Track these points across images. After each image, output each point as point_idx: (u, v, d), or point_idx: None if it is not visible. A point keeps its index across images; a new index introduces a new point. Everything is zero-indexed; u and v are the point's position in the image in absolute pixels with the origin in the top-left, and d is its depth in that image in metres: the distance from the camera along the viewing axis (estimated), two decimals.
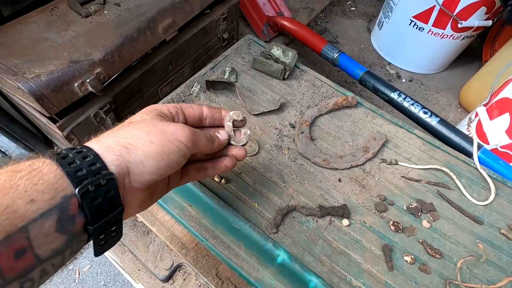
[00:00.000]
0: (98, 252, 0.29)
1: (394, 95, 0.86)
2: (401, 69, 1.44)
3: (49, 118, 0.62)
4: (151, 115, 0.34)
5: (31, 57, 0.59)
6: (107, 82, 0.64)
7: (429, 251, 0.52)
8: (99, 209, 0.26)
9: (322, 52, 1.06)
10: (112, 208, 0.28)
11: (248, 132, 0.44)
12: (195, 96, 0.68)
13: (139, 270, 1.03)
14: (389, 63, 1.46)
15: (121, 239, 1.18)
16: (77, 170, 0.26)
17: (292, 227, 0.53)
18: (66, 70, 0.57)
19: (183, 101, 0.67)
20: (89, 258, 1.52)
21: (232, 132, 0.43)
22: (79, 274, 1.51)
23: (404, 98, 0.84)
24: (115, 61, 0.64)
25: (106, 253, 1.08)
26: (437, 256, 0.52)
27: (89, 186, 0.25)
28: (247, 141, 0.44)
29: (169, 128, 0.32)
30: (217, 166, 0.42)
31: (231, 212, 0.51)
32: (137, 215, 0.85)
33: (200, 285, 0.96)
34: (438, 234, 0.55)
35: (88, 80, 0.59)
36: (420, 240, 0.54)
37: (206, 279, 0.78)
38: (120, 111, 0.73)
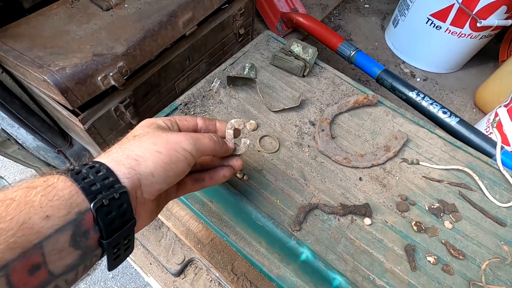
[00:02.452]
0: (112, 266, 0.29)
1: (412, 94, 0.85)
2: (416, 68, 1.42)
3: (70, 111, 0.62)
4: (152, 127, 0.35)
5: (54, 49, 0.59)
6: (128, 76, 0.64)
7: (452, 252, 0.52)
8: (113, 223, 0.27)
9: (339, 50, 1.05)
10: (125, 221, 0.28)
11: (248, 142, 0.45)
12: (215, 92, 0.68)
13: (150, 264, 1.04)
14: (404, 62, 1.44)
15: None
16: (91, 185, 0.26)
17: (314, 225, 0.53)
18: (90, 63, 0.57)
19: (204, 97, 0.67)
20: None
21: (233, 141, 0.44)
22: None
23: (423, 98, 0.83)
24: (137, 55, 0.63)
25: None
26: (460, 257, 0.51)
27: (104, 201, 0.25)
28: (246, 150, 0.45)
29: (173, 138, 0.33)
30: (215, 176, 0.43)
31: (254, 208, 0.51)
32: None
33: (211, 280, 0.97)
34: (461, 235, 0.54)
35: (111, 74, 0.59)
36: (443, 241, 0.53)
37: (221, 274, 0.78)
38: (139, 105, 0.73)
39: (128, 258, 1.11)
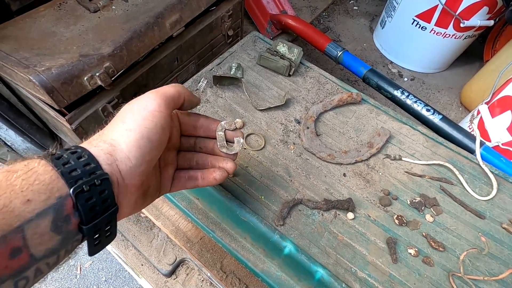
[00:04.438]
0: (92, 252, 0.29)
1: (397, 93, 0.87)
2: (403, 68, 1.45)
3: (57, 111, 0.63)
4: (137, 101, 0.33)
5: (41, 50, 0.60)
6: (115, 76, 0.65)
7: (433, 244, 0.53)
8: (94, 209, 0.26)
9: (326, 50, 1.07)
10: (106, 207, 0.28)
11: (242, 140, 0.44)
12: (202, 91, 0.69)
13: (142, 265, 1.04)
14: (391, 62, 1.47)
15: (124, 234, 1.19)
16: (71, 170, 0.26)
17: (298, 220, 0.54)
18: (76, 63, 0.57)
19: None
20: None
21: (224, 142, 0.43)
22: (80, 270, 1.52)
23: (407, 96, 0.85)
24: (124, 55, 0.64)
25: (109, 248, 1.09)
26: (440, 249, 0.53)
27: (84, 186, 0.25)
28: (240, 149, 0.44)
29: (137, 106, 0.31)
30: (206, 176, 0.42)
31: (238, 205, 0.52)
32: (142, 210, 0.85)
33: (203, 280, 0.97)
34: (441, 228, 0.56)
35: (97, 74, 0.59)
36: (424, 234, 0.55)
37: (210, 273, 0.79)
38: None
39: (119, 260, 1.12)
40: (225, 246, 0.55)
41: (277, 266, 0.53)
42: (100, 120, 0.69)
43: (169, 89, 0.34)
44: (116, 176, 0.29)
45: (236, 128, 0.43)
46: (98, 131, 0.32)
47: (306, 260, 0.48)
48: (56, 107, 0.58)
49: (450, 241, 0.54)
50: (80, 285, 1.50)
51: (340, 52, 1.03)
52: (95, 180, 0.26)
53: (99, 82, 0.60)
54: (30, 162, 0.25)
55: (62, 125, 0.66)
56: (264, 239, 0.51)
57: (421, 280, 0.49)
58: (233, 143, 0.44)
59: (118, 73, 0.66)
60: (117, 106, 0.69)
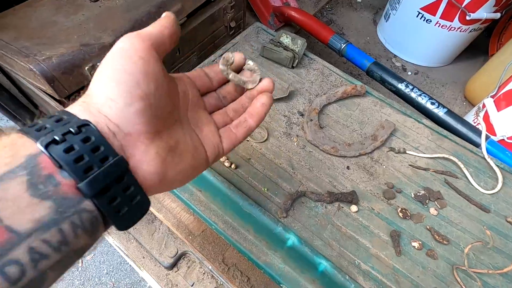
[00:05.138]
0: (119, 224, 0.24)
1: (401, 86, 0.86)
2: (407, 62, 1.43)
3: (58, 101, 0.62)
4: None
5: (41, 40, 0.59)
6: None
7: (437, 237, 0.53)
8: (81, 160, 0.21)
9: (329, 43, 1.06)
10: (103, 159, 0.22)
11: (251, 63, 0.35)
12: None
13: (143, 257, 1.05)
14: (395, 56, 1.45)
15: None
16: (40, 129, 0.21)
17: (301, 212, 0.53)
18: (77, 53, 0.57)
19: None
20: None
21: (241, 78, 0.34)
22: (82, 263, 1.52)
23: (412, 89, 0.84)
24: None
25: (110, 241, 1.09)
26: (445, 242, 0.52)
27: (56, 137, 0.20)
28: (260, 74, 0.35)
29: (117, 56, 0.24)
30: (251, 110, 0.34)
31: (241, 196, 0.52)
32: None
33: (204, 273, 0.98)
34: (445, 221, 0.55)
35: (98, 64, 0.58)
36: (428, 227, 0.54)
37: (212, 265, 0.79)
38: None
39: (121, 252, 1.12)
40: (227, 238, 0.55)
41: (280, 258, 0.53)
42: None
43: (150, 29, 0.27)
44: (105, 122, 0.23)
45: (234, 61, 0.34)
46: None
47: (309, 252, 0.47)
48: (56, 97, 0.57)
49: (455, 234, 0.54)
50: (81, 278, 1.51)
51: (344, 45, 1.01)
52: (70, 128, 0.21)
53: None
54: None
55: None
56: (267, 231, 0.50)
57: (424, 273, 0.49)
58: (249, 71, 0.36)
59: None
60: None
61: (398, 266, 0.49)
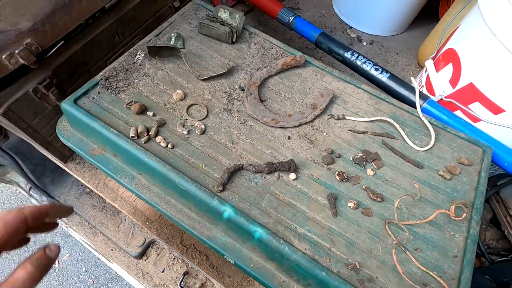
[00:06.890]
0: None
1: (347, 55, 0.87)
2: (362, 32, 1.44)
3: None
4: None
5: None
6: (43, 55, 0.61)
7: (372, 196, 0.55)
8: None
9: (279, 17, 1.04)
10: None
11: None
12: (140, 65, 0.66)
13: (112, 250, 1.04)
14: (350, 27, 1.46)
15: (90, 222, 1.16)
16: None
17: (240, 185, 0.54)
18: None
19: (127, 70, 0.65)
20: (68, 247, 1.50)
21: None
22: (58, 264, 1.50)
23: (357, 57, 0.85)
24: (47, 30, 0.60)
25: (77, 237, 1.08)
26: (379, 200, 0.54)
27: None
28: None
29: None
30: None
31: (177, 174, 0.51)
32: (98, 192, 0.83)
33: (174, 258, 0.98)
34: (381, 180, 0.57)
35: (17, 52, 0.55)
36: (364, 187, 0.56)
37: (171, 247, 0.79)
38: (65, 86, 0.70)
39: (89, 247, 1.10)
40: (170, 217, 0.55)
41: (222, 231, 0.53)
42: (35, 103, 0.65)
43: None
44: None
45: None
46: None
47: (245, 222, 0.48)
48: None
49: (389, 191, 0.56)
50: (60, 278, 1.49)
51: (292, 18, 1.01)
52: None
53: (22, 61, 0.57)
54: None
55: None
56: (205, 205, 0.51)
57: (359, 230, 0.51)
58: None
59: (46, 51, 0.61)
60: (50, 87, 0.65)
61: (334, 226, 0.51)
